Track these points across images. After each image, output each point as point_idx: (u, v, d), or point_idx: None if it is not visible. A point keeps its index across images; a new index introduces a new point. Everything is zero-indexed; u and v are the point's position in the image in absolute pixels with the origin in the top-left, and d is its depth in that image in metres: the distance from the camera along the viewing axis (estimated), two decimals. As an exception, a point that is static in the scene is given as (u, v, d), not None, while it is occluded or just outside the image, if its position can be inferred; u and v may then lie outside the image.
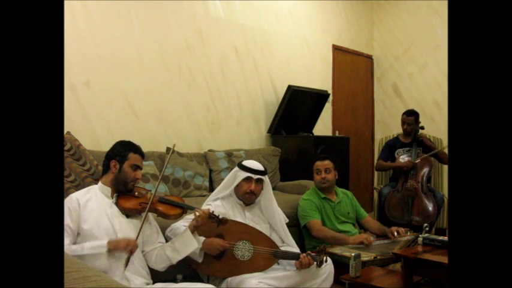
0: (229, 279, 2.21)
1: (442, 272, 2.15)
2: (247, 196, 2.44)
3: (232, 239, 2.25)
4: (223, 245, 2.19)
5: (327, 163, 3.11)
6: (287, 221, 2.63)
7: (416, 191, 3.67)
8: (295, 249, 2.48)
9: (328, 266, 2.31)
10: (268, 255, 2.24)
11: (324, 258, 2.21)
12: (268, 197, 2.51)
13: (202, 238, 2.17)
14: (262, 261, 2.24)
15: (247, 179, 2.42)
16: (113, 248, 1.84)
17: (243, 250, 2.24)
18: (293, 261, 2.24)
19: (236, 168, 2.48)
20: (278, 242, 2.46)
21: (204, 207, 2.36)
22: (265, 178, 2.49)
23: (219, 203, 2.45)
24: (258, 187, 2.44)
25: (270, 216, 2.52)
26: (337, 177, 3.16)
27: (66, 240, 1.84)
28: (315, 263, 2.18)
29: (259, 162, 3.04)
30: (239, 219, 2.42)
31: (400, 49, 5.76)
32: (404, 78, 5.72)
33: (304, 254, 2.19)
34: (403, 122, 4.01)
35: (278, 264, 2.31)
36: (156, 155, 3.32)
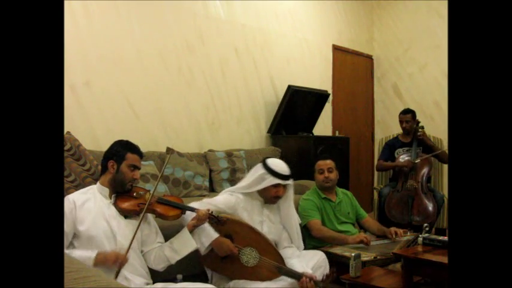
0: (232, 283, 2.23)
1: (442, 272, 2.15)
2: (273, 200, 2.44)
3: (240, 243, 2.25)
4: (232, 249, 2.20)
5: (329, 162, 3.11)
6: (300, 222, 2.64)
7: (416, 191, 3.67)
8: (301, 251, 2.50)
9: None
10: (272, 268, 2.24)
11: (329, 280, 2.18)
12: (289, 197, 2.52)
13: (216, 234, 2.17)
14: (265, 272, 2.24)
15: (277, 184, 2.39)
16: (101, 262, 1.78)
17: (249, 256, 2.24)
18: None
19: (263, 171, 2.39)
20: (286, 241, 2.48)
21: (225, 194, 2.42)
22: (291, 181, 2.49)
23: (241, 196, 2.43)
24: (284, 191, 2.45)
25: (285, 216, 2.52)
26: (338, 177, 3.17)
27: None
28: None
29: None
30: (258, 216, 2.42)
31: (400, 49, 5.76)
32: (404, 78, 5.72)
33: (307, 279, 2.16)
34: (401, 121, 4.02)
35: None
36: (156, 155, 3.32)
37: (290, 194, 2.53)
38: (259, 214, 2.44)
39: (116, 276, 1.80)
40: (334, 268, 2.24)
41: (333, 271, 2.22)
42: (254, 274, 2.22)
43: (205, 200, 2.34)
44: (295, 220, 2.55)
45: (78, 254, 1.79)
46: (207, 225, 2.16)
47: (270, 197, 2.42)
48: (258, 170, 2.43)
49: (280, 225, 2.51)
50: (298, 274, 2.21)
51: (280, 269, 2.24)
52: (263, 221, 2.43)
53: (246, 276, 2.22)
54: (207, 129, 3.96)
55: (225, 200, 2.38)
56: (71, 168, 2.58)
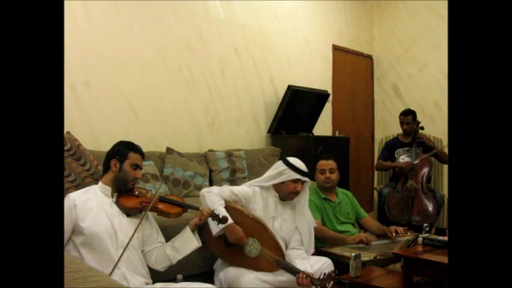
0: (229, 269, 2.27)
1: (442, 272, 2.15)
2: (291, 196, 2.47)
3: (244, 232, 2.29)
4: (243, 238, 2.24)
5: (331, 163, 3.09)
6: (315, 225, 2.65)
7: (416, 191, 3.67)
8: (309, 255, 2.51)
9: (328, 268, 2.34)
10: (272, 261, 2.27)
11: (328, 285, 2.18)
12: (305, 195, 2.55)
13: (231, 220, 2.22)
14: (265, 264, 2.27)
15: (296, 180, 2.43)
16: None
17: (251, 247, 2.29)
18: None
19: (284, 167, 2.44)
20: (296, 243, 2.49)
21: (244, 187, 2.48)
22: (308, 179, 2.53)
23: (258, 189, 2.47)
24: (302, 188, 2.48)
25: (301, 214, 2.54)
26: (339, 177, 3.16)
27: None
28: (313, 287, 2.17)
29: (259, 162, 3.04)
30: (271, 211, 2.45)
31: (400, 49, 5.76)
32: (404, 78, 5.72)
33: (304, 275, 2.17)
34: (402, 122, 4.02)
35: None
36: (156, 155, 3.32)
37: (306, 192, 2.56)
38: (273, 209, 2.46)
39: None
40: (336, 271, 2.24)
41: (333, 272, 2.23)
42: (254, 265, 2.26)
43: (225, 186, 2.44)
44: (309, 220, 2.56)
45: None
46: (223, 210, 2.23)
47: (288, 192, 2.45)
48: (278, 166, 2.48)
49: (293, 225, 2.52)
50: (296, 269, 2.23)
51: (279, 262, 2.26)
52: (276, 217, 2.46)
53: (247, 266, 2.26)
54: (207, 129, 3.96)
55: (242, 190, 2.44)
56: (71, 168, 2.58)
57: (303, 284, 2.16)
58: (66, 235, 1.88)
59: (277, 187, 2.47)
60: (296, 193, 2.45)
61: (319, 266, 2.41)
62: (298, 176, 2.42)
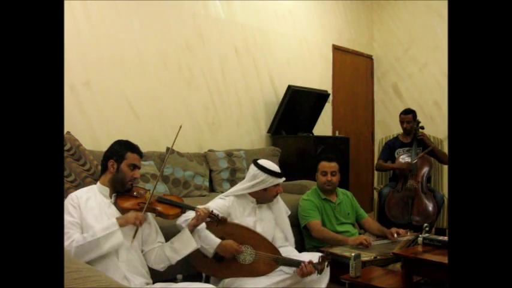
0: (227, 280, 2.24)
1: (442, 272, 2.15)
2: (272, 198, 2.50)
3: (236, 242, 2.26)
4: (238, 249, 2.22)
5: (334, 165, 3.09)
6: (289, 213, 2.67)
7: (416, 191, 3.67)
8: (293, 246, 2.53)
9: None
10: (269, 261, 2.26)
11: (326, 263, 2.23)
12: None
13: (219, 240, 2.20)
14: (263, 267, 2.25)
15: (277, 184, 2.47)
16: (123, 223, 1.88)
17: (245, 254, 2.26)
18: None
19: (264, 175, 2.43)
20: (281, 240, 2.49)
21: (217, 199, 2.44)
22: None
23: (233, 199, 2.47)
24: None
25: (278, 212, 2.56)
26: (339, 179, 3.15)
27: (78, 234, 1.84)
28: (316, 271, 2.20)
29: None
30: (252, 217, 2.45)
31: (400, 49, 5.76)
32: (404, 78, 5.72)
33: (305, 263, 2.20)
34: (402, 122, 4.02)
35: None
36: (156, 155, 3.31)
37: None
38: (252, 215, 2.47)
39: (134, 235, 1.91)
40: (328, 251, 2.27)
41: (326, 254, 2.25)
42: (252, 271, 2.24)
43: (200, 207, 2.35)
44: (285, 210, 2.61)
45: (100, 228, 1.84)
46: (207, 232, 2.18)
47: (271, 196, 2.48)
48: (258, 175, 2.44)
49: (272, 223, 2.54)
50: (296, 261, 2.24)
51: (278, 259, 2.26)
52: (256, 221, 2.46)
53: (245, 274, 2.23)
54: (207, 129, 3.96)
55: (217, 205, 2.39)
56: (71, 168, 2.58)
57: (307, 271, 2.17)
58: (81, 230, 1.90)
59: (256, 193, 2.47)
60: (276, 195, 2.51)
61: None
62: (279, 181, 2.46)
